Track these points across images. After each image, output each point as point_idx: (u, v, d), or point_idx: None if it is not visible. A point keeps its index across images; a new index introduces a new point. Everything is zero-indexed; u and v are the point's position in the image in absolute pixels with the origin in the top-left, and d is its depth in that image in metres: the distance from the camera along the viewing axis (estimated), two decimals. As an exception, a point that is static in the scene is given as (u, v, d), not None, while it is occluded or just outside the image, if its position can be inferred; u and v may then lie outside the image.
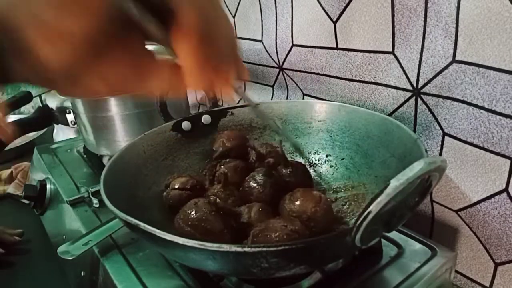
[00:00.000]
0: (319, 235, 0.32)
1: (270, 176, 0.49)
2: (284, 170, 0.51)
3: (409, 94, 0.53)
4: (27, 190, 0.71)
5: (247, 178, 0.50)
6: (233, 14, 0.77)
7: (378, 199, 0.27)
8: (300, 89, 0.70)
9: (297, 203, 0.43)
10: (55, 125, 0.99)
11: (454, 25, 0.45)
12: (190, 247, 0.31)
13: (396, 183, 0.27)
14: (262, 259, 0.30)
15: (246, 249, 0.29)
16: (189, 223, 0.41)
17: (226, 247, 0.30)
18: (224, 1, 0.77)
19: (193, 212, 0.41)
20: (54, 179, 0.70)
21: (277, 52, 0.70)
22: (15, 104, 0.77)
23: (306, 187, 0.47)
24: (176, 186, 0.49)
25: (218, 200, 0.43)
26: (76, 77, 0.25)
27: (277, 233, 0.37)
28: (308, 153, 0.59)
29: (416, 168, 0.27)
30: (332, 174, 0.56)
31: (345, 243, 0.30)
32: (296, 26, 0.65)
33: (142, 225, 0.33)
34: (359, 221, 0.28)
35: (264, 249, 0.29)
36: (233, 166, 0.52)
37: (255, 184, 0.48)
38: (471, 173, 0.48)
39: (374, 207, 0.27)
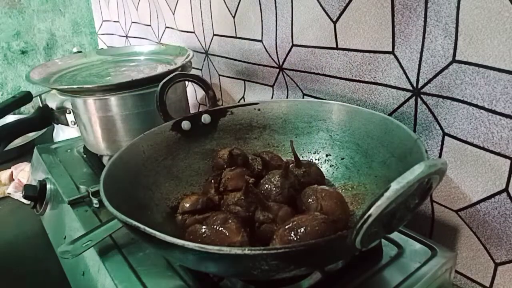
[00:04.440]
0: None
1: (287, 178, 0.48)
2: (297, 170, 0.51)
3: (409, 94, 0.53)
4: (27, 190, 0.71)
5: (262, 181, 0.49)
6: (233, 14, 0.76)
7: (378, 202, 0.27)
8: (300, 89, 0.70)
9: (325, 202, 0.43)
10: (55, 125, 0.99)
11: (454, 25, 0.44)
12: (190, 249, 0.31)
13: (396, 186, 0.27)
14: (263, 261, 0.30)
15: (246, 252, 0.29)
16: (205, 225, 0.41)
17: (226, 250, 0.30)
18: (224, 1, 0.77)
19: (213, 219, 0.41)
20: (54, 179, 0.70)
21: (277, 52, 0.70)
22: (15, 104, 0.77)
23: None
24: (187, 207, 0.48)
25: (239, 208, 0.44)
26: None
27: (313, 225, 0.37)
28: (308, 152, 0.59)
29: (416, 171, 0.27)
30: (332, 174, 0.56)
31: (346, 246, 0.30)
32: (296, 26, 0.65)
33: (142, 227, 0.33)
34: (359, 224, 0.28)
35: (265, 251, 0.29)
36: (239, 172, 0.51)
37: (272, 186, 0.48)
38: (471, 173, 0.48)
39: (374, 210, 0.27)
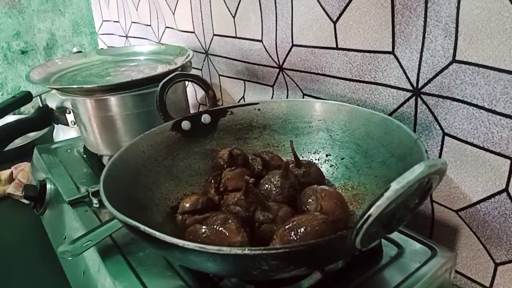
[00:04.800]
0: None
1: (287, 178, 0.48)
2: (297, 170, 0.51)
3: (409, 94, 0.53)
4: (27, 190, 0.71)
5: (262, 181, 0.49)
6: (233, 14, 0.76)
7: (378, 202, 0.27)
8: (300, 89, 0.70)
9: (325, 202, 0.43)
10: (55, 125, 0.99)
11: (454, 25, 0.44)
12: (190, 249, 0.31)
13: (396, 186, 0.27)
14: (263, 261, 0.30)
15: (246, 252, 0.29)
16: (205, 225, 0.41)
17: (226, 250, 0.30)
18: (224, 1, 0.77)
19: (213, 219, 0.41)
20: (54, 179, 0.70)
21: (277, 52, 0.70)
22: (15, 104, 0.77)
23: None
24: (187, 207, 0.48)
25: (239, 209, 0.44)
26: None
27: (313, 225, 0.37)
28: (308, 152, 0.59)
29: (416, 171, 0.27)
30: (332, 174, 0.56)
31: (346, 246, 0.30)
32: (296, 26, 0.65)
33: (142, 227, 0.33)
34: (359, 224, 0.28)
35: (265, 251, 0.29)
36: (239, 172, 0.51)
37: (272, 186, 0.48)
38: (471, 173, 0.48)
39: (374, 210, 0.27)
